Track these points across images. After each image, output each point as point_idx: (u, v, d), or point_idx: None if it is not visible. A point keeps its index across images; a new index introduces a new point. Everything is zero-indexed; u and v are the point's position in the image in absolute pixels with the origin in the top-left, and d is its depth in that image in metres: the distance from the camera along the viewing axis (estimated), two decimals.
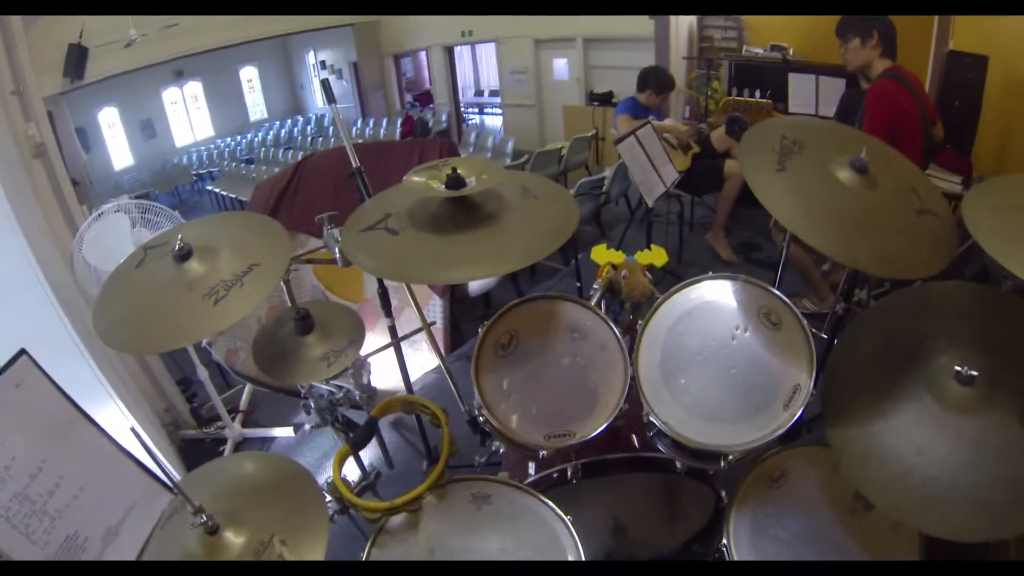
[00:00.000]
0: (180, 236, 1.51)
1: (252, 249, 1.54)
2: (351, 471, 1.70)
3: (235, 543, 1.31)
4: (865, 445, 1.31)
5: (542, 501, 1.53)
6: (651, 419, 1.56)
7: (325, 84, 2.29)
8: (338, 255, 1.65)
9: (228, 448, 3.77)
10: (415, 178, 1.50)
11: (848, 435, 1.35)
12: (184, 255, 1.49)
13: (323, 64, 16.21)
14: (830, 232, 1.40)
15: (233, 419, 3.88)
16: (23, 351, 1.26)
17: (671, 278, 2.02)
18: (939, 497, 1.21)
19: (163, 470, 1.52)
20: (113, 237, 3.11)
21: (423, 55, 14.89)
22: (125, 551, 1.29)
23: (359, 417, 1.97)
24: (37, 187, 3.11)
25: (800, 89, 5.60)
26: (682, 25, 7.19)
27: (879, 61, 2.94)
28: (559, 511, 1.51)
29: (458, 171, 1.47)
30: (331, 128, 14.84)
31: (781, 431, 1.47)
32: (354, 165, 2.16)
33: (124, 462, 1.39)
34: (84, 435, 1.33)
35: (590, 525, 1.52)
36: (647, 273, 1.94)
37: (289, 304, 1.92)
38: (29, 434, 1.20)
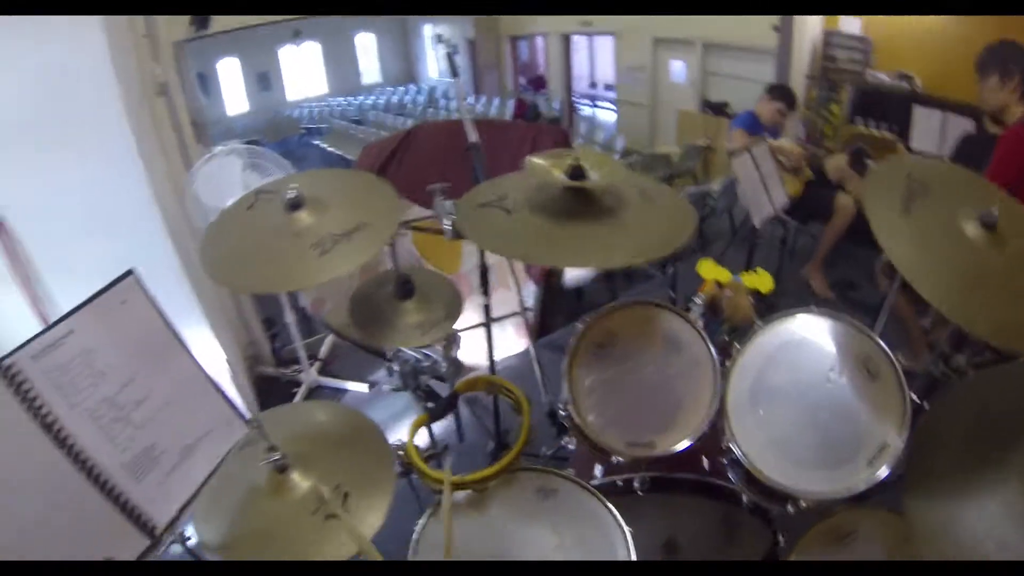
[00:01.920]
0: (293, 185, 1.55)
1: (363, 208, 1.57)
2: (420, 439, 1.73)
3: (300, 486, 1.38)
4: (943, 522, 1.22)
5: (606, 506, 1.53)
6: (731, 445, 1.53)
7: (451, 58, 2.29)
8: (448, 227, 1.66)
9: (302, 391, 3.90)
10: (538, 162, 1.50)
11: (927, 507, 1.26)
12: (296, 204, 1.52)
13: (439, 38, 16.34)
14: (949, 287, 1.32)
15: (311, 365, 4.00)
16: (130, 271, 1.32)
17: (763, 306, 1.97)
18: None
19: (245, 403, 1.57)
20: (224, 177, 3.25)
21: (540, 40, 14.87)
22: (196, 471, 1.34)
23: (439, 388, 2.00)
24: (158, 123, 3.28)
25: (925, 124, 5.28)
26: (806, 39, 6.95)
27: (1017, 105, 2.77)
28: (621, 520, 1.50)
29: (581, 163, 1.46)
30: (442, 101, 15.00)
31: (859, 488, 1.43)
32: (471, 140, 2.15)
33: (209, 389, 1.44)
34: (176, 357, 1.38)
35: (642, 537, 1.51)
36: (750, 296, 1.90)
37: (389, 267, 1.94)
38: (126, 348, 1.25)
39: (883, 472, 1.42)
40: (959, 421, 1.33)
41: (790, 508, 1.52)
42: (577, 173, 1.45)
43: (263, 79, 15.78)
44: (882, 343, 1.57)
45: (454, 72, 2.24)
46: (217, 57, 14.49)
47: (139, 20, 3.23)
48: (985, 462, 1.23)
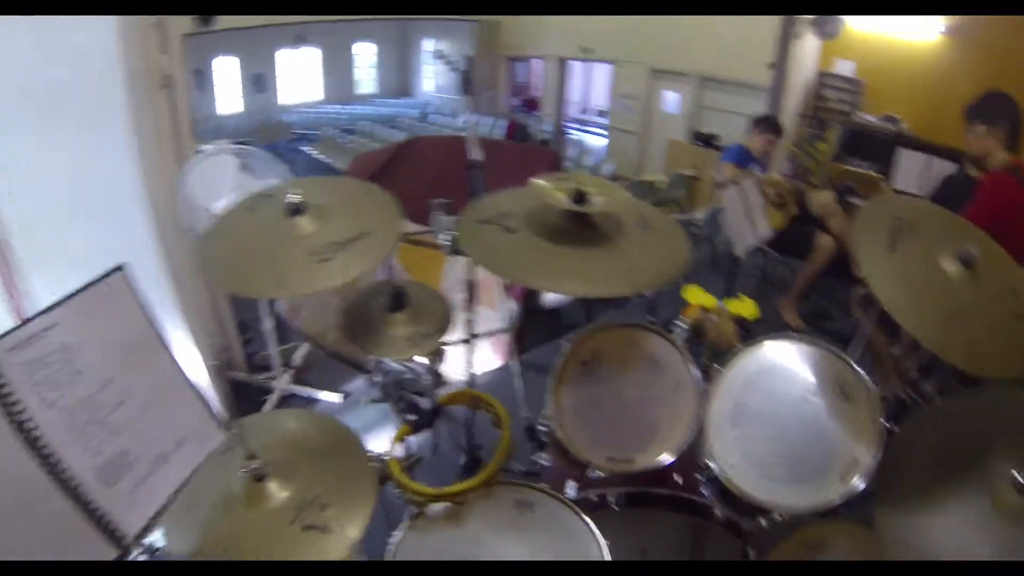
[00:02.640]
0: (295, 191, 1.54)
1: (364, 218, 1.57)
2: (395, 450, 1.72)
3: (278, 496, 1.33)
4: (910, 532, 1.30)
5: (582, 519, 1.55)
6: (709, 462, 1.58)
7: (466, 75, 2.30)
8: (446, 242, 1.67)
9: (273, 399, 3.82)
10: (541, 185, 1.51)
11: (895, 519, 1.34)
12: (297, 210, 1.52)
13: (439, 53, 16.43)
14: (929, 320, 1.38)
15: (284, 373, 3.95)
16: (120, 267, 1.29)
17: (742, 332, 2.02)
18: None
19: (225, 409, 1.56)
20: (218, 176, 3.22)
21: (537, 63, 15.00)
22: (171, 478, 1.31)
23: (418, 401, 1.99)
24: (157, 115, 3.23)
25: (908, 166, 5.40)
26: (799, 79, 7.10)
27: (999, 152, 2.88)
28: (598, 533, 1.52)
29: (585, 189, 1.48)
30: (433, 115, 15.06)
31: (832, 502, 1.48)
32: (475, 158, 2.16)
33: (189, 395, 1.42)
34: (158, 360, 1.35)
35: (615, 550, 1.52)
36: (734, 322, 1.93)
37: (372, 280, 1.94)
38: (108, 347, 1.22)
39: (854, 486, 1.48)
40: (927, 441, 1.42)
41: (762, 521, 1.58)
42: (581, 198, 1.46)
43: (258, 80, 15.73)
44: (857, 367, 1.63)
45: (466, 89, 2.25)
46: (214, 54, 14.41)
47: None
48: (951, 478, 1.32)
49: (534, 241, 1.48)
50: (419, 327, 1.78)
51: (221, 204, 3.02)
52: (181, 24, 3.65)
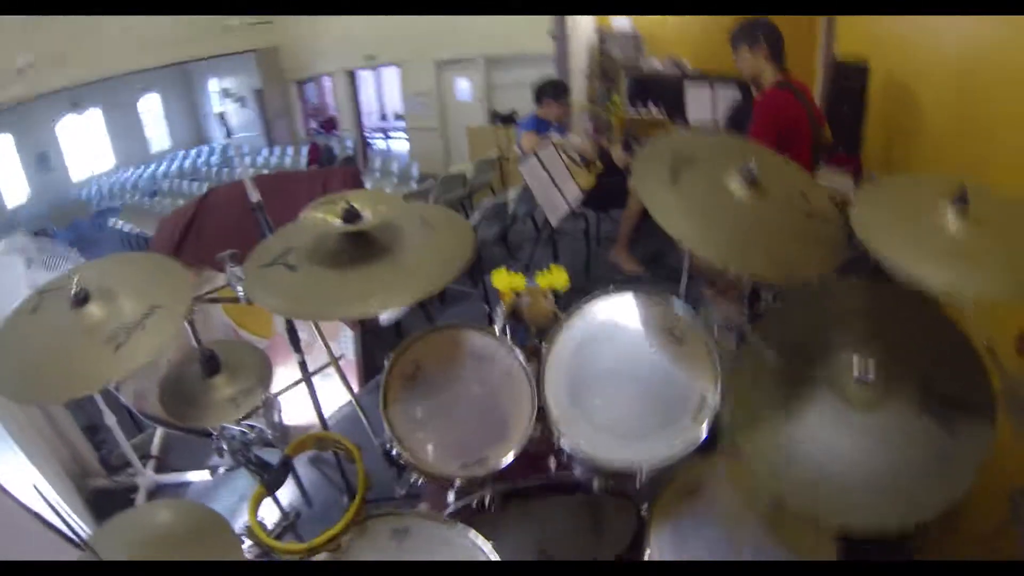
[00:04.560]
0: (76, 279, 1.44)
1: (152, 290, 1.50)
2: (271, 513, 1.67)
3: None
4: (773, 447, 1.36)
5: (460, 531, 1.54)
6: (561, 442, 1.58)
7: (222, 117, 2.23)
8: (241, 293, 1.62)
9: (141, 496, 3.59)
10: (312, 213, 1.50)
11: (758, 440, 1.39)
12: (81, 299, 1.42)
13: (226, 92, 15.84)
14: (724, 243, 1.44)
15: (145, 465, 3.71)
16: None
17: (581, 295, 2.06)
18: (852, 491, 1.26)
19: (69, 526, 1.46)
20: (5, 280, 2.97)
21: (327, 81, 14.78)
22: None
23: (275, 456, 1.92)
24: None
25: (697, 99, 5.76)
26: (581, 41, 7.36)
27: (769, 69, 3.10)
28: (478, 540, 1.51)
29: (354, 204, 1.47)
30: (236, 159, 14.52)
31: (693, 444, 1.51)
32: (253, 200, 2.11)
33: (28, 520, 1.32)
34: None
35: (515, 552, 1.53)
36: (549, 295, 1.95)
37: (194, 344, 1.86)
38: None
39: (706, 422, 1.52)
40: (767, 356, 1.47)
41: (637, 484, 1.58)
42: (351, 215, 1.46)
43: (43, 159, 14.37)
44: (679, 308, 1.68)
45: (228, 132, 2.18)
46: None
47: None
48: (796, 383, 1.39)
49: (317, 272, 1.47)
50: (240, 384, 1.73)
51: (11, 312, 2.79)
52: None
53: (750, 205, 1.49)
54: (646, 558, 1.58)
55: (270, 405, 1.85)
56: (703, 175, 1.55)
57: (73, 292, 1.42)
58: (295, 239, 1.57)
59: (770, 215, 1.49)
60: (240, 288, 1.61)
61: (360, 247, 1.49)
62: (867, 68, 4.05)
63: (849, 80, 4.29)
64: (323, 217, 1.47)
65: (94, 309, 1.44)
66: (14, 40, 9.16)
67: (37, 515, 1.34)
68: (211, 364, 1.72)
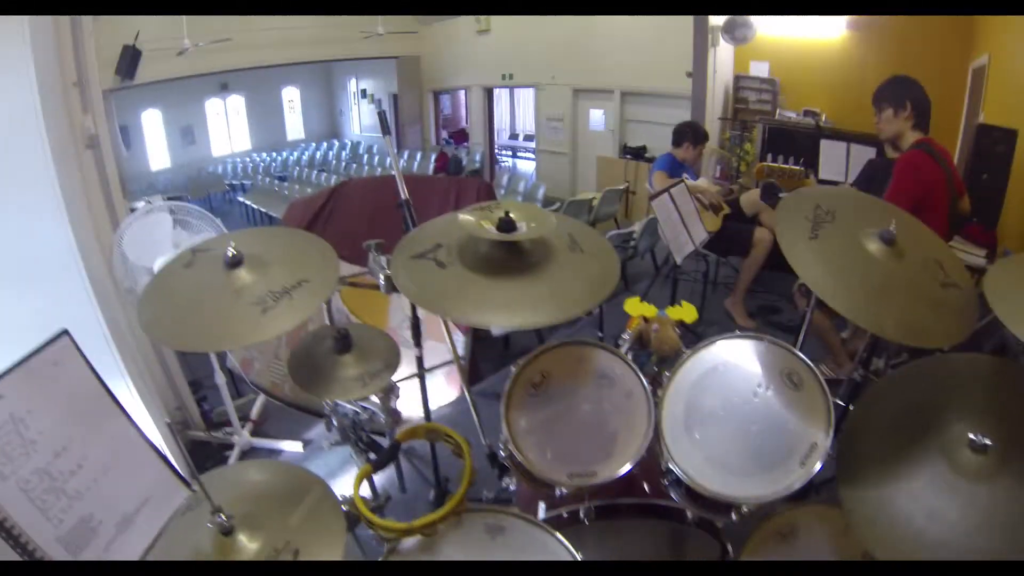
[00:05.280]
0: (233, 243, 1.55)
1: (302, 265, 1.59)
2: (363, 492, 1.72)
3: (248, 547, 1.30)
4: (876, 506, 1.33)
5: (555, 537, 1.55)
6: (670, 466, 1.59)
7: (383, 116, 2.33)
8: (383, 281, 1.69)
9: (235, 454, 3.78)
10: (467, 216, 1.53)
11: (860, 496, 1.37)
12: (236, 262, 1.53)
13: (363, 92, 16.49)
14: (857, 299, 1.44)
15: (243, 427, 3.90)
16: (65, 331, 1.28)
17: (690, 335, 2.06)
18: (948, 561, 1.22)
19: (187, 465, 1.55)
20: (154, 235, 3.19)
21: (462, 94, 15.13)
22: (136, 541, 1.29)
23: (378, 440, 1.99)
24: (86, 177, 3.19)
25: (831, 156, 5.66)
26: (719, 84, 7.32)
27: (911, 133, 3.01)
28: (571, 548, 1.52)
29: (511, 215, 1.50)
30: (365, 156, 15.06)
31: (796, 486, 1.49)
32: (403, 196, 2.19)
33: (148, 454, 1.40)
34: (113, 422, 1.33)
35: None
36: (676, 328, 1.98)
37: (321, 323, 1.95)
38: (59, 413, 1.21)
39: (815, 469, 1.49)
40: (883, 415, 1.46)
41: (734, 516, 1.59)
42: (507, 226, 1.48)
43: (187, 132, 15.38)
44: (802, 356, 1.66)
45: (386, 130, 2.28)
46: (141, 108, 14.09)
47: (70, 67, 3.14)
48: (908, 447, 1.36)
49: (465, 274, 1.49)
50: (367, 366, 1.80)
51: (159, 262, 2.99)
52: (103, 81, 3.61)
53: (886, 266, 1.49)
54: None
55: (390, 390, 1.91)
56: (842, 232, 1.57)
57: (229, 254, 1.53)
58: (444, 236, 1.61)
59: (904, 278, 1.49)
60: (381, 276, 1.67)
61: (511, 257, 1.52)
62: (1016, 132, 3.84)
63: (994, 145, 4.07)
64: (478, 222, 1.50)
65: (245, 273, 1.54)
66: (178, 25, 9.85)
67: (158, 451, 1.42)
68: (344, 342, 1.80)
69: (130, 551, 1.27)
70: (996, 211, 3.97)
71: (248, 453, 3.83)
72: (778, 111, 6.99)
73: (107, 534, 1.24)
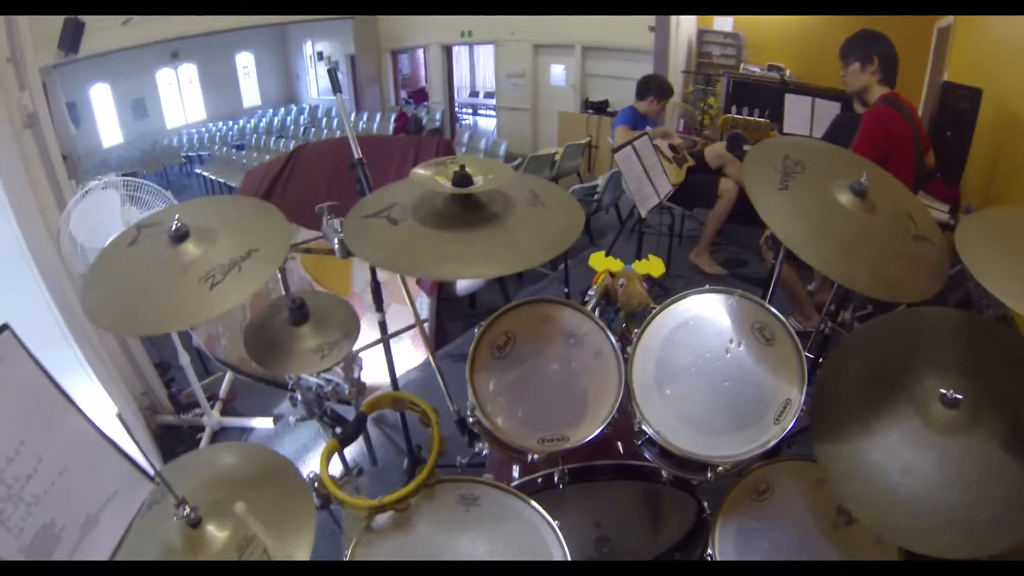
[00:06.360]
0: (177, 216, 1.47)
1: (251, 234, 1.51)
2: (333, 467, 1.68)
3: (217, 537, 1.24)
4: (851, 461, 1.32)
5: (529, 504, 1.52)
6: (643, 427, 1.56)
7: (332, 73, 2.25)
8: (337, 246, 1.63)
9: (206, 436, 3.73)
10: (422, 171, 1.49)
11: (835, 451, 1.36)
12: (181, 236, 1.45)
13: (320, 55, 16.13)
14: (829, 252, 1.41)
15: (212, 407, 3.83)
16: (6, 326, 1.21)
17: (658, 289, 2.03)
18: (922, 514, 1.22)
19: (146, 458, 1.48)
20: (102, 214, 3.06)
21: (420, 53, 14.89)
22: (103, 542, 1.24)
23: (345, 412, 1.94)
24: (27, 158, 3.05)
25: (796, 110, 5.65)
26: (682, 38, 7.26)
27: (877, 87, 2.99)
28: (547, 515, 1.50)
29: (466, 169, 1.45)
30: (324, 119, 14.82)
31: (771, 444, 1.48)
32: (356, 156, 2.13)
33: (106, 449, 1.34)
34: (66, 419, 1.27)
35: (573, 531, 1.52)
36: (643, 282, 1.95)
37: (283, 293, 1.88)
38: (8, 414, 1.15)
39: (790, 426, 1.49)
40: (854, 369, 1.45)
41: (709, 475, 1.58)
42: (462, 180, 1.44)
43: (139, 106, 14.85)
44: (772, 308, 1.65)
45: (336, 88, 2.20)
46: (89, 84, 13.51)
47: (2, 43, 2.99)
48: (880, 402, 1.35)
49: (419, 230, 1.45)
50: (325, 337, 1.74)
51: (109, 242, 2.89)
52: (42, 55, 3.44)
53: (858, 219, 1.46)
54: (708, 554, 1.57)
55: (352, 360, 1.85)
56: (812, 183, 1.53)
57: (173, 228, 1.45)
58: (400, 196, 1.56)
59: (876, 231, 1.46)
60: (336, 240, 1.61)
61: (468, 211, 1.48)
62: (980, 91, 3.85)
63: (959, 103, 4.08)
64: (433, 176, 1.46)
65: (192, 247, 1.46)
66: None
67: (116, 445, 1.36)
68: (300, 312, 1.73)
69: (97, 552, 1.23)
70: (959, 167, 3.98)
71: (219, 434, 3.79)
72: (742, 65, 6.95)
73: (72, 538, 1.19)
